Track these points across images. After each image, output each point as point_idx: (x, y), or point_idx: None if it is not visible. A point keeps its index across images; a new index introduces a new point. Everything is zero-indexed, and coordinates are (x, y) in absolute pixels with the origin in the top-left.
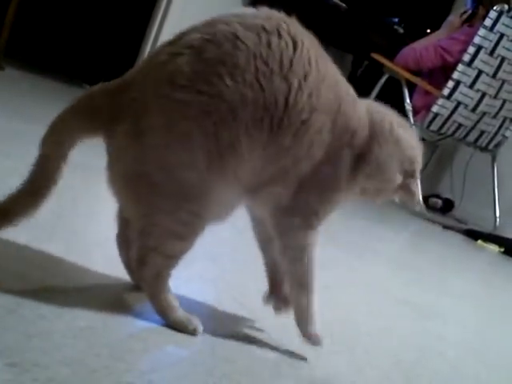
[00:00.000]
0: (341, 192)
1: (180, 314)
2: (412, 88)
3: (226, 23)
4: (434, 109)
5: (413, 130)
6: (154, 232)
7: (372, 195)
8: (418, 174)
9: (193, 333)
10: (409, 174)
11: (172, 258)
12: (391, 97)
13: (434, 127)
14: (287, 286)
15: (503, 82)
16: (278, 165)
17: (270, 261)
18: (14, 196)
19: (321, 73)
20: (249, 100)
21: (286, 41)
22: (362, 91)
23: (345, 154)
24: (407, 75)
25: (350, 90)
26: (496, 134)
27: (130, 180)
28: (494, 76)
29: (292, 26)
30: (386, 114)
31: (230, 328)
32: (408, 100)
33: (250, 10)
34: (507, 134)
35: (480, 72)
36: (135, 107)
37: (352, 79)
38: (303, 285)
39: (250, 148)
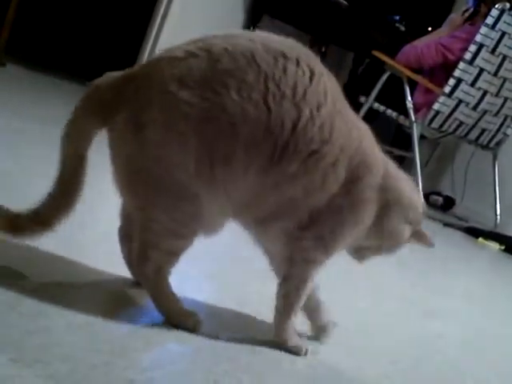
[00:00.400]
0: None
1: (181, 310)
2: (413, 86)
3: (249, 39)
4: (435, 106)
5: (411, 180)
6: (154, 228)
7: (379, 252)
8: (422, 220)
9: (194, 329)
10: (415, 223)
11: (173, 255)
12: (392, 94)
13: (435, 125)
14: (324, 314)
15: (505, 80)
16: (286, 195)
17: None
18: (48, 202)
19: (336, 108)
20: (250, 118)
21: (304, 70)
22: (363, 89)
23: (369, 199)
24: (408, 73)
25: (371, 136)
26: (497, 132)
27: (129, 174)
28: (495, 74)
29: (312, 60)
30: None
31: (231, 325)
32: (409, 97)
33: (278, 37)
34: (508, 132)
35: (481, 70)
36: (138, 98)
37: (353, 77)
38: (292, 305)
39: (247, 167)
